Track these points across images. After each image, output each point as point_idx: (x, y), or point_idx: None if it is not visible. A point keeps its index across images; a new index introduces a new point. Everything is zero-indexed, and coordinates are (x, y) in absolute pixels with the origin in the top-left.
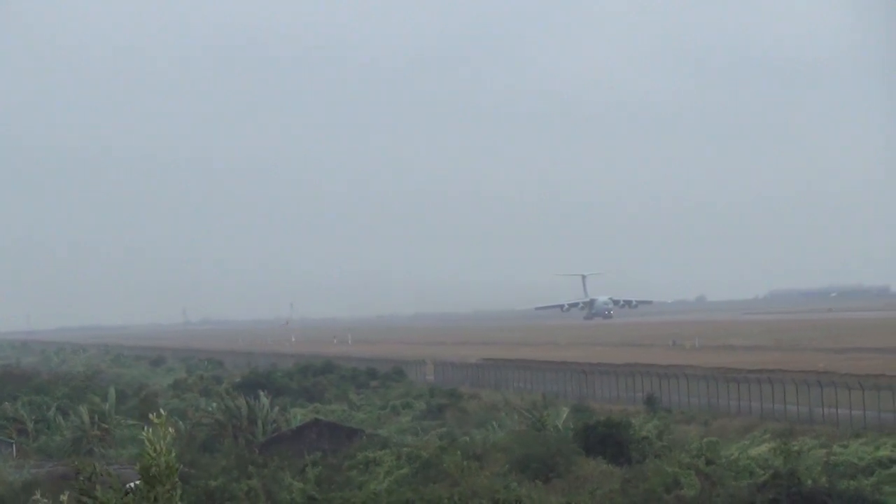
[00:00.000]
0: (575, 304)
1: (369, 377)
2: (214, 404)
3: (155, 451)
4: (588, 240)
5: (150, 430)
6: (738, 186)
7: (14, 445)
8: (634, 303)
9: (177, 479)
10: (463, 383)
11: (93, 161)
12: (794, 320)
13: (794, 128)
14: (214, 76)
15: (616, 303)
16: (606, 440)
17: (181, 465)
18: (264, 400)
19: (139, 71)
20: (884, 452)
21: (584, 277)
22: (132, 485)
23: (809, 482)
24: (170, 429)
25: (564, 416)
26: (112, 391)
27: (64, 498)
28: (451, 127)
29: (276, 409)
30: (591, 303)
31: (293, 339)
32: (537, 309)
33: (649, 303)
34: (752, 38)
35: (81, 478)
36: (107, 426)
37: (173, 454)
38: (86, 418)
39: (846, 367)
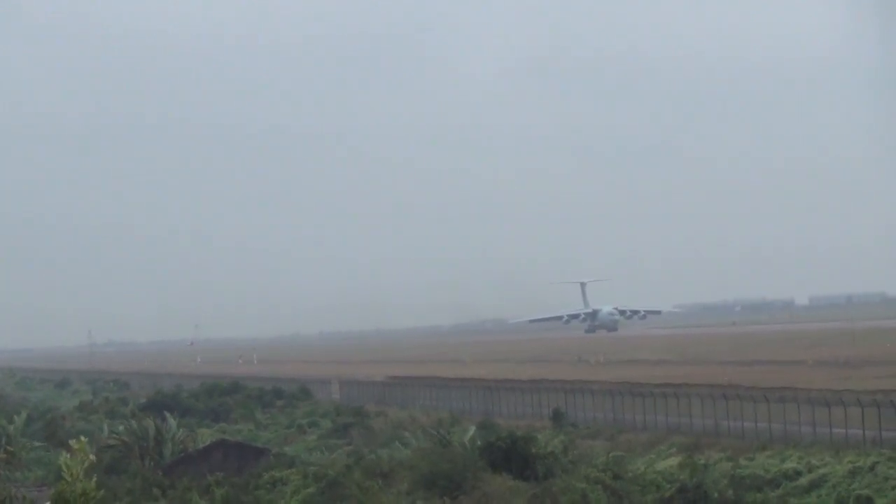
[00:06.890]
0: (576, 316)
1: (275, 396)
2: (122, 427)
3: (71, 476)
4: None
5: (68, 455)
6: (635, 201)
7: None
8: (642, 313)
9: None
10: (369, 401)
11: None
12: (700, 334)
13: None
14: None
15: (622, 313)
16: (512, 456)
17: (101, 491)
18: (171, 421)
19: None
20: (790, 465)
21: (583, 285)
22: None
23: (716, 495)
24: (91, 455)
25: (471, 432)
26: (15, 416)
27: None
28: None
29: (183, 429)
30: (594, 314)
31: (198, 360)
32: (532, 322)
33: (658, 313)
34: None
35: None
36: (12, 449)
37: (94, 480)
38: None
39: (751, 379)
